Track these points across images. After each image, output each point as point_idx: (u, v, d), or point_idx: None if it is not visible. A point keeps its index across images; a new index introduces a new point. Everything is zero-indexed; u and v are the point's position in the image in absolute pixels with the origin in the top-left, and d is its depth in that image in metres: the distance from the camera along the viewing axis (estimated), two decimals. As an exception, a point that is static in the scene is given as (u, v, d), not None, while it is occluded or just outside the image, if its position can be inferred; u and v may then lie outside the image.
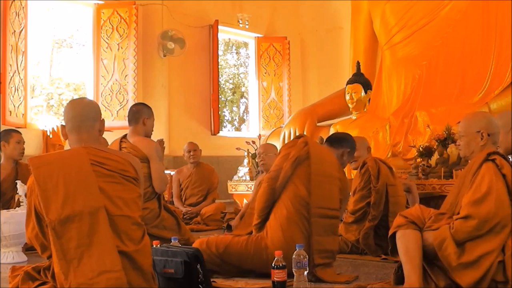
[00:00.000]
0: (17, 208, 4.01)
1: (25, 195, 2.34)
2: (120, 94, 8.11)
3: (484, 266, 2.33)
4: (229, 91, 13.70)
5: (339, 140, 3.51)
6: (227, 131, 12.02)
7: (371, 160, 3.96)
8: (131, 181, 2.32)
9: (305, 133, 8.23)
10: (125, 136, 4.28)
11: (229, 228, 5.02)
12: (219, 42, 9.67)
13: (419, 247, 2.47)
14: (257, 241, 3.07)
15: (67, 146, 2.28)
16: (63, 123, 2.43)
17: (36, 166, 2.21)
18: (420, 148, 6.13)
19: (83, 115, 2.37)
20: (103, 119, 2.45)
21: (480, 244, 2.36)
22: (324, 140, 3.64)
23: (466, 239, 2.38)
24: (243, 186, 6.92)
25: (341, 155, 3.44)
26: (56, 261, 2.08)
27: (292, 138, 6.84)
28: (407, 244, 2.48)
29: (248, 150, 7.20)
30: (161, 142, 4.37)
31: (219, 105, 9.82)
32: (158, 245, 2.80)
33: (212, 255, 3.08)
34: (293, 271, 2.68)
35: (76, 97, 11.04)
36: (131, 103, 7.58)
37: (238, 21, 9.84)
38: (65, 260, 2.06)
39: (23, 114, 6.91)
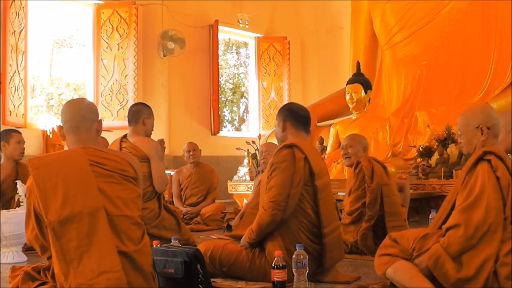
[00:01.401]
0: (17, 208, 4.00)
1: (25, 195, 2.32)
2: (120, 94, 8.11)
3: (482, 277, 2.26)
4: (229, 91, 13.69)
5: (310, 121, 3.18)
6: (227, 131, 12.01)
7: (365, 160, 3.92)
8: (130, 181, 2.32)
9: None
10: (125, 136, 4.28)
11: (229, 228, 5.02)
12: (219, 42, 9.68)
13: (416, 269, 2.39)
14: (261, 263, 2.98)
15: (67, 147, 2.27)
16: (61, 124, 2.43)
17: (35, 167, 2.20)
18: (420, 148, 6.14)
19: (81, 116, 2.37)
20: (100, 120, 2.45)
21: (476, 254, 2.28)
22: (287, 116, 3.12)
23: (461, 251, 2.29)
24: (243, 186, 6.92)
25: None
26: (56, 261, 2.08)
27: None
28: (404, 272, 2.40)
29: (248, 150, 7.20)
30: (161, 142, 4.37)
31: (219, 105, 9.82)
32: (158, 245, 2.80)
33: (216, 271, 3.05)
34: (293, 271, 2.67)
35: (76, 97, 11.04)
36: (131, 103, 7.58)
37: (238, 21, 9.84)
38: (65, 260, 2.06)
39: (23, 114, 6.91)
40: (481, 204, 2.29)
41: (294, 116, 3.12)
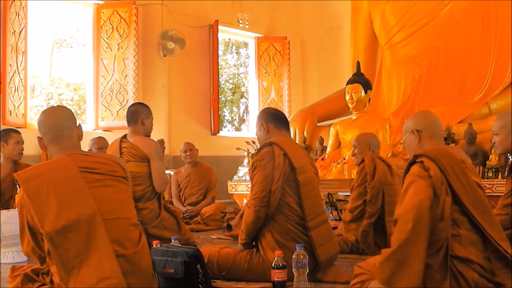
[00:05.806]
0: (16, 208, 4.00)
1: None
2: (120, 94, 8.10)
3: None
4: (229, 91, 13.69)
5: (288, 121, 3.38)
6: (227, 131, 12.01)
7: (369, 157, 3.96)
8: (121, 181, 2.31)
9: (305, 133, 8.23)
10: (125, 136, 4.27)
11: (229, 228, 5.02)
12: (219, 42, 9.67)
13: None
14: (259, 263, 3.02)
15: (50, 156, 2.23)
16: (39, 135, 2.40)
17: (24, 180, 2.18)
18: (420, 148, 6.13)
19: (60, 125, 2.36)
20: (79, 124, 2.43)
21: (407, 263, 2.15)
22: (268, 119, 3.28)
23: (397, 240, 2.17)
24: (243, 186, 6.92)
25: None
26: (56, 271, 2.05)
27: (292, 138, 6.80)
28: None
29: (248, 150, 7.20)
30: (161, 142, 4.37)
31: (219, 105, 9.82)
32: (158, 245, 2.80)
33: (215, 276, 3.07)
34: (293, 271, 2.67)
35: (76, 97, 11.05)
36: (131, 103, 7.56)
37: (238, 21, 9.84)
38: (64, 270, 2.04)
39: (23, 114, 6.91)
40: (409, 193, 2.23)
41: (275, 117, 3.29)
